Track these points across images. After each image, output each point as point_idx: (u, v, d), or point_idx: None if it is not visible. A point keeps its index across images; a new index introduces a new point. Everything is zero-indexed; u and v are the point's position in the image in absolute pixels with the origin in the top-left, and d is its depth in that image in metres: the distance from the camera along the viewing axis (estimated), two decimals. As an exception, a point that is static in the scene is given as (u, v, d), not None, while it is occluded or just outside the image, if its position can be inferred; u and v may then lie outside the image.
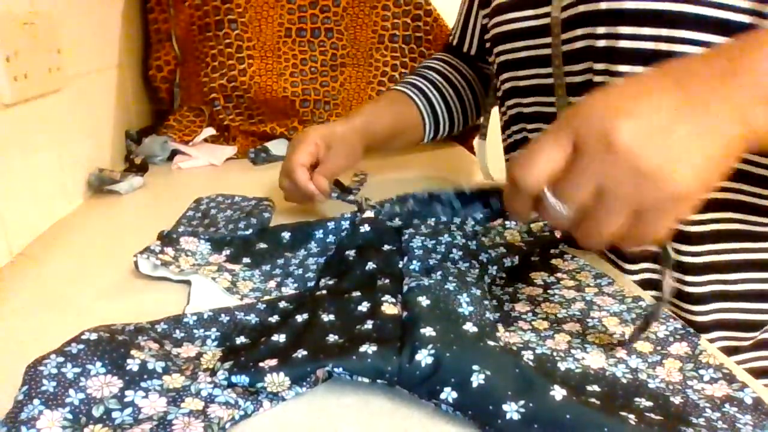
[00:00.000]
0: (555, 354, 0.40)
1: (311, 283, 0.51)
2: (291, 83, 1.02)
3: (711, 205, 0.53)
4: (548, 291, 0.49)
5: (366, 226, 0.54)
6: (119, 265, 0.55)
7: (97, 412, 0.33)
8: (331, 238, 0.58)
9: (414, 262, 0.48)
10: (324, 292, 0.46)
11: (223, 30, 1.00)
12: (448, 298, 0.43)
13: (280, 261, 0.54)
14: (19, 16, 0.63)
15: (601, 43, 0.53)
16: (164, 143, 0.95)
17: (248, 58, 1.00)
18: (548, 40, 0.58)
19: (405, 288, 0.44)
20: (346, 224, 0.58)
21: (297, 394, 0.37)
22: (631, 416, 0.32)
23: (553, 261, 0.54)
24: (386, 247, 0.51)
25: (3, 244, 0.58)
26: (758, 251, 0.55)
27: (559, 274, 0.52)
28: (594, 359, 0.39)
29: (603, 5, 0.52)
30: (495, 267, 0.50)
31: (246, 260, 0.55)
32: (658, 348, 0.41)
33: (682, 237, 0.55)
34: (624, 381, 0.37)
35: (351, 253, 0.51)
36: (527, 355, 0.40)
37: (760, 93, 0.32)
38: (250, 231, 0.60)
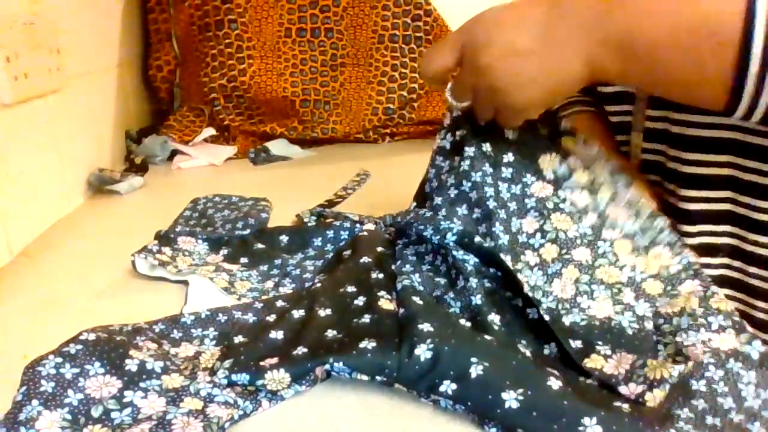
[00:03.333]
0: (560, 306, 0.39)
1: (308, 284, 0.50)
2: (291, 83, 1.02)
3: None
4: (558, 193, 0.45)
5: (364, 233, 0.55)
6: (119, 265, 0.55)
7: (96, 412, 0.33)
8: (329, 247, 0.58)
9: (407, 266, 0.48)
10: (319, 285, 0.46)
11: (223, 30, 1.00)
12: (438, 304, 0.43)
13: (278, 261, 0.54)
14: (19, 16, 0.63)
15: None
16: (164, 143, 0.95)
17: (248, 58, 1.00)
18: None
19: (399, 286, 0.44)
20: (344, 234, 0.59)
21: (296, 393, 0.37)
22: (625, 405, 0.33)
23: (564, 142, 0.48)
24: (380, 249, 0.52)
25: (3, 244, 0.58)
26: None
27: (571, 161, 0.47)
28: (600, 307, 0.39)
29: (675, 129, 0.48)
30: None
31: (243, 260, 0.55)
32: (669, 288, 0.39)
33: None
34: (630, 332, 0.37)
35: (347, 253, 0.52)
36: (531, 315, 0.40)
37: (613, 41, 0.37)
38: (248, 231, 0.60)
